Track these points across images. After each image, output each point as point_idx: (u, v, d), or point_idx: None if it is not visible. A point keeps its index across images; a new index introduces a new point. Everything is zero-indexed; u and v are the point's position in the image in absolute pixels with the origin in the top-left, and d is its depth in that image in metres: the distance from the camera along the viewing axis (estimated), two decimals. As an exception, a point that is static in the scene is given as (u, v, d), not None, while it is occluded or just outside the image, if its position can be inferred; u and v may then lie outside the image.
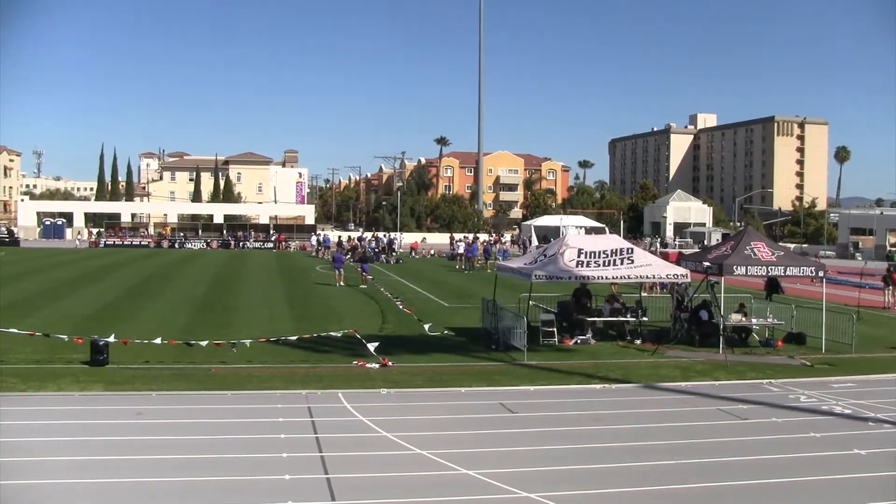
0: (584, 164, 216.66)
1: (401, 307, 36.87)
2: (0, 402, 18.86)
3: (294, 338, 25.48)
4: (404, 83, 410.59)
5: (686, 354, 26.16)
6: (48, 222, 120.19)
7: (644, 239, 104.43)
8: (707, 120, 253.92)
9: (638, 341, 28.02)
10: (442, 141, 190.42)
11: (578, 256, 26.39)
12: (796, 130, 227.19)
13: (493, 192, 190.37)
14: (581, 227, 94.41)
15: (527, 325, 25.51)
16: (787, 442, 16.42)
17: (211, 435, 16.30)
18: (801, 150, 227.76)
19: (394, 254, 76.32)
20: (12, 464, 14.22)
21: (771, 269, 27.53)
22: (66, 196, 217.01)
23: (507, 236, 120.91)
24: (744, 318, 28.82)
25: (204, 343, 24.09)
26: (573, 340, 27.84)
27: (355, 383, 21.17)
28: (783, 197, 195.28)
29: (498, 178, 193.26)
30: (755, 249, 27.46)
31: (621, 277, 26.83)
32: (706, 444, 16.20)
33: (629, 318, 29.19)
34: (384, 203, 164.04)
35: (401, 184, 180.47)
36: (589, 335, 28.12)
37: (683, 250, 72.12)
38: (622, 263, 26.45)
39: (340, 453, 15.07)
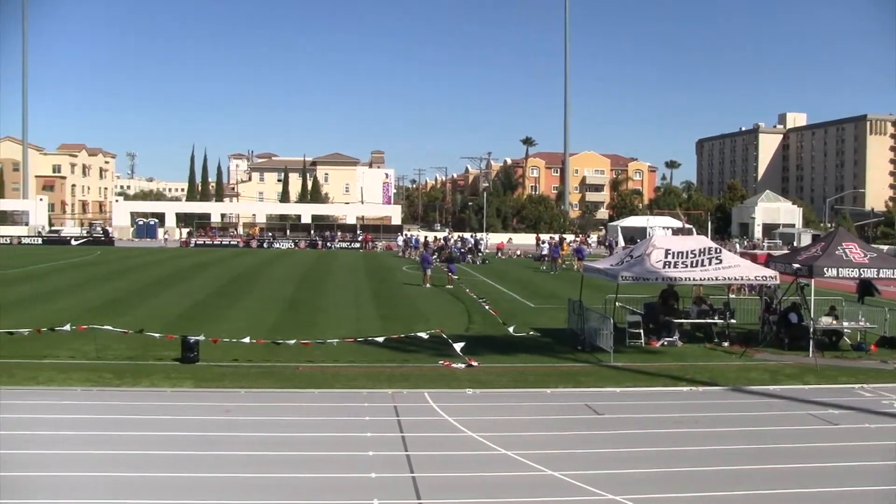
0: (671, 165, 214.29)
1: (487, 308, 36.89)
2: (97, 397, 19.41)
3: (381, 338, 25.66)
4: (491, 84, 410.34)
5: (775, 357, 25.75)
6: (141, 222, 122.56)
7: (732, 240, 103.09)
8: (797, 119, 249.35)
9: (725, 343, 27.69)
10: (528, 141, 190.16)
11: (665, 257, 26.15)
12: (889, 129, 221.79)
13: (579, 193, 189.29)
14: (668, 228, 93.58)
15: (613, 327, 25.38)
16: (880, 449, 16.08)
17: (298, 433, 16.51)
18: (894, 149, 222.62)
19: (480, 254, 76.40)
20: (112, 456, 14.60)
21: (863, 271, 26.85)
22: (158, 197, 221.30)
23: (594, 237, 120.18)
24: (835, 322, 28.28)
25: (291, 342, 24.38)
26: (660, 342, 27.62)
27: (441, 383, 21.27)
28: (876, 197, 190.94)
29: (584, 178, 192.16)
30: (847, 251, 26.86)
31: (709, 279, 26.47)
32: (795, 448, 15.95)
33: (717, 320, 28.84)
34: (470, 203, 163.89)
35: (487, 184, 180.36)
36: (676, 337, 27.87)
37: (772, 251, 70.96)
38: (710, 264, 26.14)
39: (426, 452, 15.17)
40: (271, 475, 13.77)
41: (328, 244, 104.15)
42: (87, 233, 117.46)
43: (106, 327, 25.75)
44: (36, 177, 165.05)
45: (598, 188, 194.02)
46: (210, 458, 14.72)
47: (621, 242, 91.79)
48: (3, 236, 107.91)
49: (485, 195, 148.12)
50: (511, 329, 29.98)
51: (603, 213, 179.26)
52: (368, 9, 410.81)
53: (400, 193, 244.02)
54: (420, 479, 13.58)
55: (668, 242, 28.06)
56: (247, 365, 23.32)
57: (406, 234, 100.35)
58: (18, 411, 18.10)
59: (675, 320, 28.38)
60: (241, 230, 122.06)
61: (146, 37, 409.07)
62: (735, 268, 26.58)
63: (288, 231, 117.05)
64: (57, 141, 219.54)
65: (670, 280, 26.48)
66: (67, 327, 24.94)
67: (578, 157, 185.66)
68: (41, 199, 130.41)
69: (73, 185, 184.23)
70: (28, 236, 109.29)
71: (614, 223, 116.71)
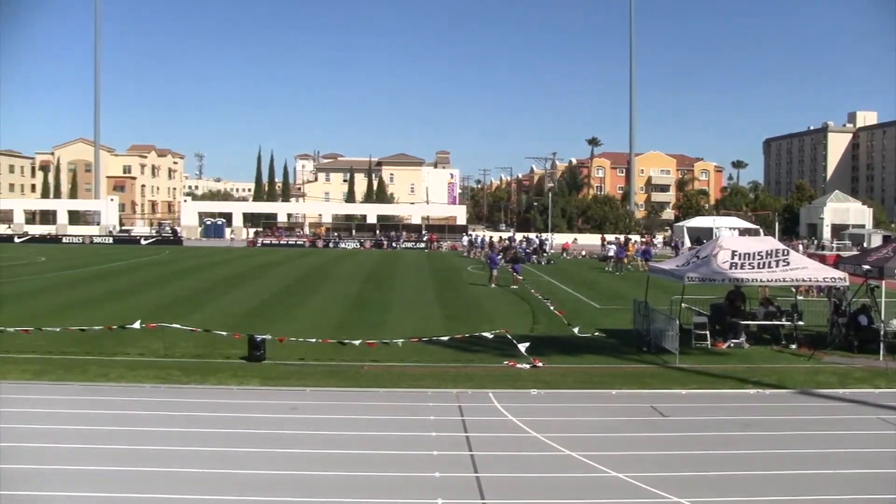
0: (738, 165, 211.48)
1: (552, 308, 36.78)
2: (165, 394, 19.71)
3: (446, 338, 25.72)
4: (556, 84, 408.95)
5: (844, 360, 25.36)
6: (209, 222, 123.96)
7: (800, 241, 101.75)
8: (867, 118, 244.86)
9: (793, 346, 27.33)
10: (593, 141, 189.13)
11: (732, 258, 25.90)
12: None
13: (644, 193, 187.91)
14: (735, 229, 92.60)
15: (679, 328, 25.19)
16: (952, 453, 15.82)
17: (363, 431, 16.62)
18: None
19: (545, 254, 76.21)
20: (179, 453, 14.83)
21: (936, 273, 26.41)
22: (226, 197, 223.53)
23: (659, 238, 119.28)
24: (906, 324, 27.83)
25: (357, 342, 24.52)
26: (726, 344, 27.35)
27: (506, 383, 21.28)
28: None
29: (650, 178, 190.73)
30: (919, 252, 26.42)
31: (776, 280, 26.14)
32: (864, 453, 15.69)
33: (784, 322, 28.48)
34: (535, 204, 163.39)
35: (552, 184, 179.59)
36: (742, 339, 27.58)
37: (841, 253, 69.91)
38: (777, 266, 25.82)
39: (490, 452, 15.20)
40: (336, 473, 13.89)
41: (393, 244, 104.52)
42: (157, 232, 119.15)
43: (174, 325, 26.14)
44: (107, 177, 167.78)
45: (663, 188, 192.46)
46: (276, 455, 14.88)
47: (687, 243, 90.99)
48: (75, 236, 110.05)
49: (550, 195, 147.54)
50: (576, 330, 29.90)
51: (668, 214, 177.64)
52: (432, 10, 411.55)
53: (465, 194, 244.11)
54: (484, 480, 13.62)
55: (734, 243, 27.77)
56: (312, 364, 23.52)
57: (471, 235, 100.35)
58: (91, 407, 18.47)
59: (742, 322, 28.09)
60: (307, 230, 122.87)
61: (215, 39, 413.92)
62: (803, 269, 26.23)
63: (353, 231, 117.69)
64: (127, 142, 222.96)
65: (737, 281, 26.22)
66: (137, 325, 25.35)
67: (644, 157, 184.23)
68: (112, 200, 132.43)
69: (143, 186, 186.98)
70: (99, 236, 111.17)
71: (680, 224, 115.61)
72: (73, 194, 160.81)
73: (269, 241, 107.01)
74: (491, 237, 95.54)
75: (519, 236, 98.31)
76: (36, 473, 13.69)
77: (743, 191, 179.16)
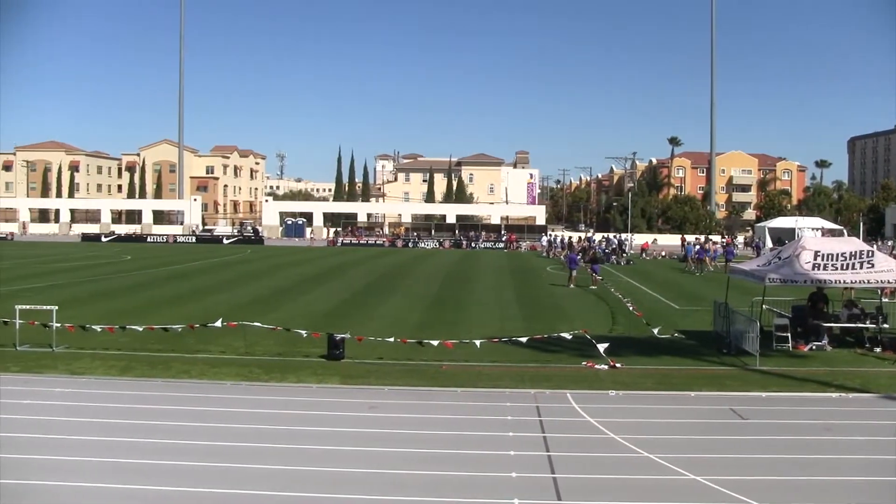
0: (821, 164, 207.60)
1: (631, 308, 36.50)
2: (245, 392, 20.02)
3: (524, 338, 25.70)
4: (636, 83, 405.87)
5: (931, 364, 24.87)
6: (289, 222, 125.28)
7: (885, 242, 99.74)
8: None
9: (877, 349, 26.78)
10: (674, 141, 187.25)
11: (815, 259, 25.50)
12: None
13: (725, 193, 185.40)
14: (817, 229, 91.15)
15: (760, 330, 24.88)
16: None
17: (440, 430, 16.70)
18: None
19: (624, 255, 75.73)
20: (258, 449, 15.05)
21: None
22: (307, 197, 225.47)
23: (740, 238, 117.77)
24: None
25: (435, 343, 24.61)
26: (808, 346, 26.94)
27: (584, 384, 21.22)
28: None
29: (731, 178, 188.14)
30: None
31: (860, 282, 25.68)
32: (951, 458, 15.40)
33: (868, 325, 27.95)
34: (615, 204, 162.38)
35: (631, 184, 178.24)
36: (825, 341, 27.14)
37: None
38: (861, 267, 25.36)
39: (567, 453, 15.18)
40: (413, 472, 13.98)
41: (472, 244, 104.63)
42: (238, 232, 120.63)
43: (255, 324, 26.52)
44: (190, 178, 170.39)
45: (744, 188, 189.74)
46: (354, 453, 15.01)
47: (769, 244, 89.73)
48: (159, 235, 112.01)
49: (629, 195, 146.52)
50: (655, 330, 29.66)
51: (750, 214, 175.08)
52: (510, 9, 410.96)
53: (544, 194, 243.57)
54: (561, 480, 13.61)
55: (817, 244, 27.33)
56: (391, 363, 23.69)
57: (550, 235, 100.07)
58: (173, 403, 18.82)
59: (825, 324, 27.63)
60: (386, 230, 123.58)
61: (297, 40, 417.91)
62: (888, 271, 25.71)
63: (433, 231, 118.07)
64: (211, 143, 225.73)
65: (820, 282, 25.82)
66: (219, 323, 25.72)
67: (725, 157, 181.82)
68: (195, 199, 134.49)
69: (226, 186, 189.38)
70: (182, 235, 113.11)
71: (761, 224, 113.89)
72: (158, 194, 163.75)
73: (349, 241, 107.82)
74: (570, 237, 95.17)
75: (598, 236, 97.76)
76: (122, 467, 14.01)
77: (826, 191, 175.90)
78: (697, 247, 68.40)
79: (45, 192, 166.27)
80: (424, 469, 14.13)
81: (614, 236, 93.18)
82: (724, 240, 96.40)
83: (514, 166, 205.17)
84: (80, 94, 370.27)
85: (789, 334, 27.11)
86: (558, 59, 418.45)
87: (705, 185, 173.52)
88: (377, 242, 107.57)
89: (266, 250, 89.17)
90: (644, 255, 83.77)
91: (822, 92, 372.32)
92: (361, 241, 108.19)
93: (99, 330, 26.18)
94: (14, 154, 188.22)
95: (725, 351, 26.06)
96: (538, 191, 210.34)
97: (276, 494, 12.85)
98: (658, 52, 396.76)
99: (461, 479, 13.70)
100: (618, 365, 23.43)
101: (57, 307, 26.04)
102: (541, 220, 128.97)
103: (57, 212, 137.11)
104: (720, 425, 17.63)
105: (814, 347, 26.84)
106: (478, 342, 24.93)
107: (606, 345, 24.66)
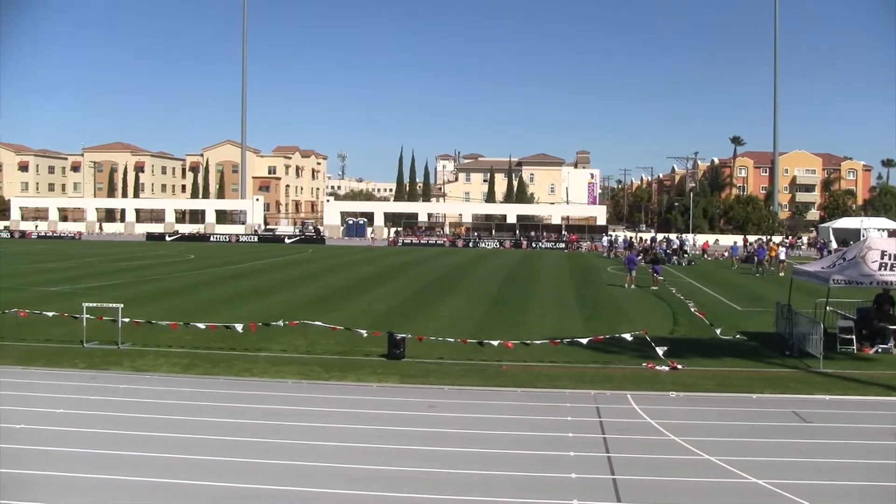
0: (888, 164, 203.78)
1: (692, 310, 36.25)
2: (306, 390, 20.19)
3: (584, 339, 25.62)
4: (698, 82, 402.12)
5: None
6: (350, 221, 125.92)
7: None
8: None
9: (946, 352, 26.39)
10: (736, 140, 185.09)
11: (882, 259, 25.10)
12: None
13: (788, 193, 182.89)
14: (884, 230, 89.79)
15: (823, 332, 24.55)
16: None
17: (499, 430, 16.72)
18: None
19: (685, 255, 75.15)
20: (318, 447, 15.18)
21: None
22: (368, 197, 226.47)
23: (804, 239, 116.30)
24: None
25: (496, 343, 24.61)
26: (873, 349, 26.55)
27: (644, 385, 21.13)
28: None
29: (794, 178, 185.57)
30: None
31: (928, 284, 25.27)
32: None
33: (936, 328, 27.51)
34: (676, 204, 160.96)
35: (693, 184, 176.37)
36: (891, 344, 26.72)
37: None
38: (929, 269, 24.93)
39: (627, 454, 15.12)
40: (473, 472, 14.01)
41: (532, 244, 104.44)
42: (300, 231, 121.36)
43: (316, 323, 26.71)
44: (253, 178, 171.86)
45: (808, 188, 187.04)
46: (413, 452, 15.09)
47: (833, 245, 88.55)
48: (222, 234, 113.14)
49: (691, 195, 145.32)
50: (717, 332, 29.44)
51: (813, 215, 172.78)
52: (571, 7, 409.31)
53: (605, 194, 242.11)
54: (621, 482, 13.57)
55: (884, 244, 26.86)
56: (451, 362, 23.75)
57: (611, 235, 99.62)
58: (235, 401, 19.04)
59: (891, 326, 27.22)
60: (447, 230, 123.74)
61: (357, 39, 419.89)
62: (958, 273, 25.24)
63: (493, 231, 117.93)
64: (273, 143, 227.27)
65: (886, 284, 25.41)
66: (280, 322, 25.97)
67: (788, 157, 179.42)
68: (257, 199, 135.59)
69: (287, 186, 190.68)
70: (245, 234, 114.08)
71: (825, 224, 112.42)
72: (221, 194, 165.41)
73: (409, 241, 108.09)
74: (631, 237, 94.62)
75: (659, 237, 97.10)
76: (185, 463, 14.22)
77: (893, 191, 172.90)
78: (754, 247, 67.66)
79: (111, 193, 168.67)
80: (484, 469, 14.16)
81: (675, 237, 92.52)
82: (786, 241, 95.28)
83: (575, 166, 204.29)
84: (145, 95, 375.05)
85: (854, 336, 26.73)
86: (620, 58, 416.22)
87: (768, 185, 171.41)
88: (437, 242, 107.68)
89: (327, 250, 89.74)
90: (705, 255, 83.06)
91: (889, 90, 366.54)
92: (422, 241, 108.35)
93: (164, 325, 26.61)
94: (82, 155, 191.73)
95: (788, 353, 25.78)
96: (599, 191, 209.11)
97: (335, 492, 12.95)
98: (721, 51, 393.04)
99: (520, 479, 13.71)
100: (678, 366, 23.29)
101: (122, 305, 26.49)
102: (601, 221, 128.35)
103: (123, 211, 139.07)
104: (782, 428, 17.44)
105: (879, 350, 26.47)
106: (538, 342, 24.90)
107: (667, 346, 24.54)
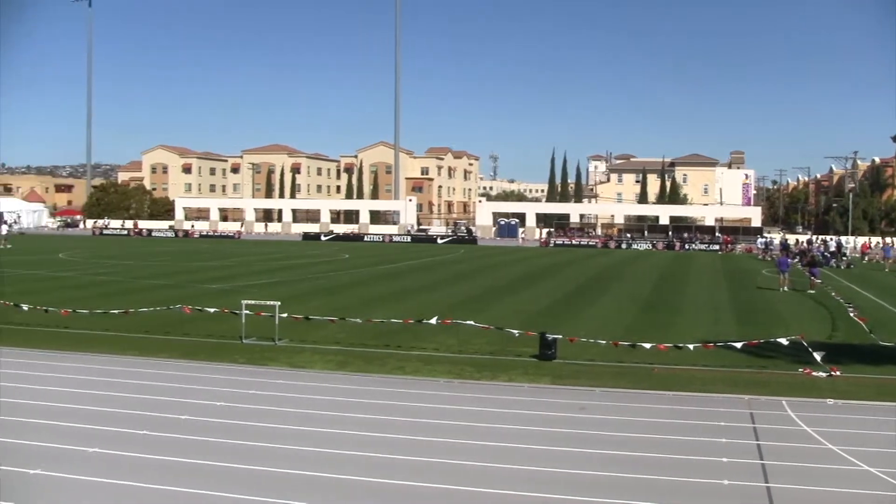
0: None
1: (852, 314, 35.16)
2: (457, 389, 20.42)
3: (738, 343, 25.16)
4: (857, 79, 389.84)
5: None
6: (502, 222, 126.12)
7: None
8: None
9: None
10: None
11: None
12: None
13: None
14: None
15: None
16: None
17: (651, 434, 16.59)
18: None
19: (844, 258, 72.93)
20: (469, 446, 15.36)
21: None
22: (520, 198, 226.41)
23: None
24: None
25: (648, 346, 24.42)
26: None
27: (800, 391, 20.65)
28: None
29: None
30: None
31: None
32: None
33: None
34: (834, 205, 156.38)
35: (853, 185, 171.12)
36: None
37: None
38: None
39: (782, 462, 14.83)
40: (623, 475, 13.97)
41: (686, 246, 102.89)
42: (452, 232, 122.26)
43: (468, 322, 26.93)
44: (406, 179, 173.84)
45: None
46: (563, 454, 15.12)
47: None
48: (375, 234, 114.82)
49: (850, 196, 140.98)
50: (877, 338, 28.56)
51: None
52: (725, 7, 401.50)
53: (760, 195, 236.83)
54: (775, 490, 13.32)
55: None
56: (602, 364, 23.67)
57: (766, 237, 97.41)
58: (387, 398, 19.38)
59: None
60: (599, 231, 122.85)
61: (507, 41, 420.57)
62: None
63: (645, 232, 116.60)
64: (425, 145, 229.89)
65: None
66: (433, 321, 26.26)
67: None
68: (410, 200, 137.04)
69: (440, 187, 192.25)
70: (398, 234, 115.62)
71: None
72: (375, 195, 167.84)
73: (561, 242, 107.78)
74: (787, 240, 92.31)
75: (816, 239, 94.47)
76: (336, 458, 14.57)
77: None
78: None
79: (269, 193, 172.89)
80: (634, 472, 14.09)
81: (832, 239, 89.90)
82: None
83: (729, 166, 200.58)
84: (301, 98, 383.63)
85: None
86: (774, 56, 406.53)
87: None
88: (589, 243, 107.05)
89: (479, 250, 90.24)
90: (865, 258, 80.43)
91: None
92: (574, 242, 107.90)
93: (320, 321, 27.26)
94: (241, 157, 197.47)
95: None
96: (753, 192, 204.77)
97: (483, 491, 13.08)
98: (878, 47, 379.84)
99: (671, 483, 13.60)
100: (837, 373, 22.67)
101: (279, 303, 27.22)
102: (756, 222, 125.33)
103: (280, 212, 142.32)
104: (947, 439, 16.84)
105: None
106: (691, 345, 24.59)
107: (824, 352, 23.90)
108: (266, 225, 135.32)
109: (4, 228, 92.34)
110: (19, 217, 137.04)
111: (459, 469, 14.15)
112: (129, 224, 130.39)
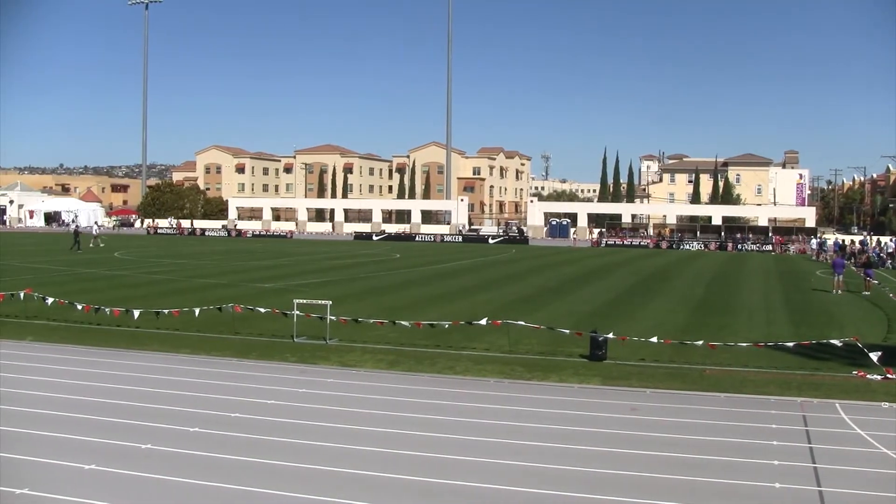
0: None
1: (908, 316, 34.79)
2: (507, 389, 20.45)
3: (791, 343, 24.94)
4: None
5: None
6: (554, 222, 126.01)
7: None
8: None
9: None
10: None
11: None
12: None
13: None
14: None
15: None
16: None
17: (702, 436, 16.50)
18: None
19: (900, 259, 72.02)
20: (520, 447, 15.37)
21: None
22: (571, 197, 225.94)
23: None
24: None
25: (699, 343, 24.26)
26: None
27: (854, 394, 20.43)
28: None
29: None
30: None
31: None
32: None
33: None
34: (891, 205, 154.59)
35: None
36: None
37: None
38: None
39: (835, 466, 14.66)
40: (674, 476, 13.90)
41: (738, 246, 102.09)
42: (503, 231, 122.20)
43: (519, 322, 26.89)
44: (457, 178, 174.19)
45: None
46: (613, 454, 15.07)
47: None
48: (427, 234, 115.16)
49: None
50: (933, 341, 28.18)
51: None
52: (778, 6, 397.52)
53: (814, 195, 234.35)
54: (827, 495, 13.18)
55: None
56: (653, 365, 23.57)
57: (820, 238, 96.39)
58: (437, 398, 19.45)
59: None
60: (651, 231, 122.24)
61: (559, 40, 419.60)
62: None
63: (698, 232, 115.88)
64: (477, 145, 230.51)
65: None
66: (484, 321, 26.27)
67: None
68: (462, 200, 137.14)
69: (491, 186, 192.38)
70: (449, 234, 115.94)
71: None
72: (426, 195, 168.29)
73: (613, 242, 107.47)
74: (842, 240, 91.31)
75: (872, 240, 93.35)
76: (386, 457, 14.66)
77: None
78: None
79: (321, 193, 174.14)
80: (685, 474, 14.03)
81: (890, 240, 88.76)
82: None
83: (783, 166, 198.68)
84: (353, 99, 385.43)
85: None
86: (829, 55, 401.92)
87: None
88: (641, 244, 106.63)
89: (531, 250, 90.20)
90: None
91: None
92: (625, 242, 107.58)
93: (371, 322, 27.40)
94: (294, 157, 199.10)
95: None
96: (808, 192, 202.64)
97: (532, 492, 13.06)
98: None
99: (722, 486, 13.52)
100: (893, 375, 22.37)
101: (331, 302, 27.40)
102: (810, 223, 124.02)
103: (332, 211, 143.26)
104: None
105: None
106: (744, 346, 24.41)
107: (880, 353, 23.56)
108: (334, 226, 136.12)
109: (96, 228, 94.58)
110: (76, 216, 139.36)
111: (510, 469, 14.16)
112: (184, 223, 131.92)
